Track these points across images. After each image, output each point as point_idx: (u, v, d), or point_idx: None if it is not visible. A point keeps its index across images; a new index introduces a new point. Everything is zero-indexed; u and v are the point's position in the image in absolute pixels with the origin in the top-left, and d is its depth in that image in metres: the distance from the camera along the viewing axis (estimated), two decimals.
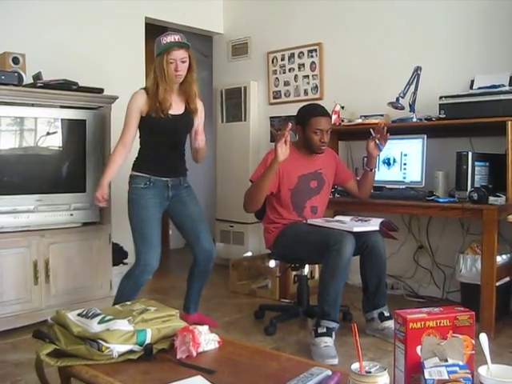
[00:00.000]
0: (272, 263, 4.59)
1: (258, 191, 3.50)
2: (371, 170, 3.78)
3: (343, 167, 3.92)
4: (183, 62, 3.38)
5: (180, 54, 3.36)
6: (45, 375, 2.13)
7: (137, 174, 3.49)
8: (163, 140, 3.50)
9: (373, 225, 3.46)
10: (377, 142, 3.66)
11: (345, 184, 3.91)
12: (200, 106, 3.63)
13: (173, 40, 3.36)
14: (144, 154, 3.54)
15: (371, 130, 3.71)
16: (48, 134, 3.92)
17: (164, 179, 3.52)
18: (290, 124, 3.31)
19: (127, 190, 3.54)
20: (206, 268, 3.69)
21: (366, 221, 3.54)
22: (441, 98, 3.96)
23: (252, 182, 3.61)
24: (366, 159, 3.82)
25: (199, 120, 3.64)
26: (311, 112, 3.59)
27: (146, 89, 3.47)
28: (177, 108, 3.50)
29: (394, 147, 4.29)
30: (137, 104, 3.43)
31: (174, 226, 3.82)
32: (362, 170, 4.46)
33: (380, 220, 3.48)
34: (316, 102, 4.40)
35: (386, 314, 3.51)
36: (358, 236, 3.36)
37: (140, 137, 3.55)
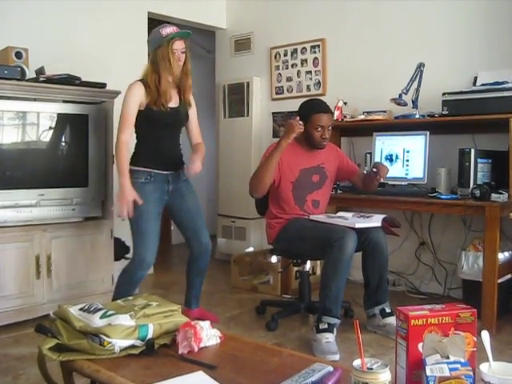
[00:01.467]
0: (274, 259, 4.59)
1: (265, 172, 3.50)
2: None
3: (347, 161, 3.90)
4: (183, 52, 3.40)
5: (181, 45, 3.39)
6: (47, 369, 2.14)
7: (137, 168, 3.45)
8: (163, 133, 3.49)
9: (375, 221, 3.46)
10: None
11: (351, 178, 3.90)
12: (192, 98, 3.64)
13: (173, 31, 3.36)
14: (144, 148, 3.50)
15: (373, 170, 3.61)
16: (50, 128, 3.92)
17: (164, 173, 3.51)
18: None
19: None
20: (204, 262, 3.70)
21: (368, 217, 3.54)
22: (444, 94, 3.95)
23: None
24: (372, 169, 3.65)
25: (193, 112, 3.66)
26: (313, 108, 3.59)
27: (142, 81, 3.43)
28: (174, 100, 3.50)
29: (396, 143, 4.29)
30: (136, 97, 3.39)
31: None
32: (364, 165, 4.48)
33: (382, 216, 3.48)
34: (318, 97, 4.40)
35: (388, 310, 3.51)
36: (360, 232, 3.36)
37: (137, 131, 3.51)
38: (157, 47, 3.37)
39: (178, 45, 3.37)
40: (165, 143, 3.51)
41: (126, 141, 3.37)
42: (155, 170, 3.47)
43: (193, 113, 3.68)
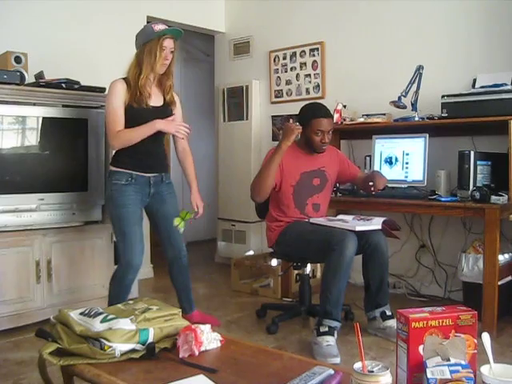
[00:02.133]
0: (274, 262, 4.59)
1: (267, 176, 3.51)
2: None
3: (348, 164, 3.90)
4: (171, 51, 3.37)
5: (171, 43, 3.36)
6: (47, 374, 2.14)
7: (117, 169, 3.38)
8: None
9: (375, 224, 3.46)
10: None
11: (353, 180, 3.89)
12: (177, 98, 3.60)
13: (165, 28, 3.33)
14: (125, 149, 3.36)
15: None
16: (50, 133, 3.92)
17: (146, 175, 3.44)
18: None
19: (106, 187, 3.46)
20: (180, 263, 3.66)
21: (368, 220, 3.54)
22: (443, 96, 3.95)
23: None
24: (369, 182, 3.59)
25: (178, 112, 3.60)
26: (313, 113, 3.58)
27: (124, 78, 3.38)
28: (156, 100, 3.45)
29: (396, 146, 4.30)
30: (119, 92, 3.32)
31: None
32: (363, 169, 4.48)
33: (382, 219, 3.48)
34: (318, 100, 4.41)
35: (388, 313, 3.50)
36: (361, 235, 3.36)
37: None
38: (146, 42, 3.33)
39: (169, 43, 3.34)
40: (147, 144, 3.36)
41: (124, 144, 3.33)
42: (136, 172, 3.39)
43: (178, 113, 3.60)
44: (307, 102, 3.82)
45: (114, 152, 3.47)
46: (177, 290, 3.75)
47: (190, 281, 3.79)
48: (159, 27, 3.32)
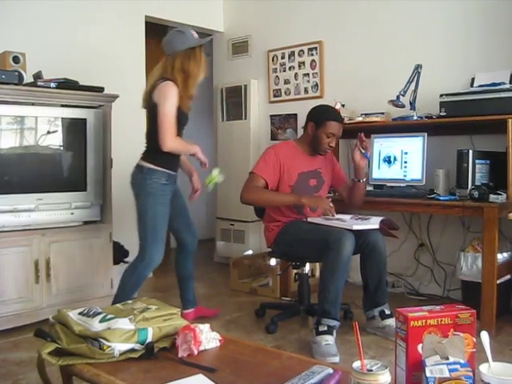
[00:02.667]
0: (273, 261, 4.59)
1: (270, 204, 3.64)
2: (360, 181, 3.68)
3: (339, 169, 3.91)
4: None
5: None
6: (46, 374, 2.13)
7: (157, 168, 3.43)
8: (181, 135, 3.49)
9: (373, 223, 3.45)
10: (362, 150, 3.60)
11: (339, 186, 3.88)
12: None
13: (198, 36, 3.46)
14: (161, 151, 3.37)
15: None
16: (48, 132, 3.92)
17: (175, 174, 3.58)
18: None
19: (138, 182, 3.49)
20: (194, 247, 3.83)
21: (366, 219, 3.54)
22: (441, 95, 3.96)
23: (253, 173, 3.60)
24: (353, 170, 3.71)
25: None
26: (329, 114, 3.60)
27: (171, 80, 3.37)
28: None
29: (394, 145, 4.30)
30: (176, 95, 3.35)
31: None
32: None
33: (380, 218, 3.48)
34: (316, 100, 4.42)
35: (387, 312, 3.51)
36: (359, 234, 3.36)
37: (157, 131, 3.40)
38: (189, 48, 3.38)
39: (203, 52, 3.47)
40: None
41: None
42: (172, 172, 3.52)
43: None
44: (321, 104, 3.85)
45: (150, 149, 3.52)
46: (186, 278, 3.85)
47: None
48: (196, 35, 3.43)
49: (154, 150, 3.42)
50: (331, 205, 3.44)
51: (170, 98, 3.32)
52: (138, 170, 3.49)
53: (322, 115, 3.60)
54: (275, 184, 3.59)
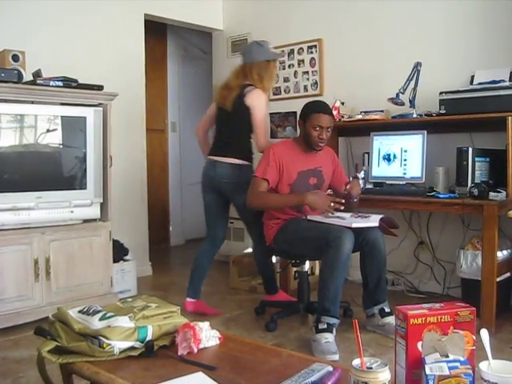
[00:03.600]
0: (272, 259, 4.58)
1: (273, 207, 3.64)
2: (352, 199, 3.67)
3: (341, 170, 3.89)
4: None
5: None
6: (46, 372, 2.14)
7: (250, 164, 3.89)
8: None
9: (372, 221, 3.45)
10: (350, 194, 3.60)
11: (338, 188, 3.83)
12: None
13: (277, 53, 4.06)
14: (250, 146, 3.93)
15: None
16: (48, 131, 3.92)
17: None
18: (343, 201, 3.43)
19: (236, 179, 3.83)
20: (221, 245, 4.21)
21: (365, 217, 3.53)
22: (441, 93, 3.95)
23: (256, 177, 3.60)
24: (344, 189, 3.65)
25: None
26: (314, 108, 3.59)
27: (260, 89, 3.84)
28: None
29: (394, 143, 4.30)
30: (266, 102, 3.90)
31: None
32: (361, 165, 4.48)
33: (380, 216, 3.47)
34: (316, 98, 4.42)
35: (387, 309, 3.51)
36: (358, 232, 3.36)
37: (247, 132, 3.87)
38: (268, 60, 3.89)
39: None
40: None
41: None
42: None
43: None
44: (310, 100, 3.82)
45: (238, 147, 3.89)
46: (204, 268, 4.10)
47: None
48: (272, 49, 3.98)
49: (244, 148, 3.89)
50: (332, 204, 3.42)
51: (263, 105, 3.85)
52: (234, 168, 3.84)
53: (307, 110, 3.61)
54: (275, 183, 3.58)
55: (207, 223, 4.08)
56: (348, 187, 3.56)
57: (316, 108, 3.58)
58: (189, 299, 4.00)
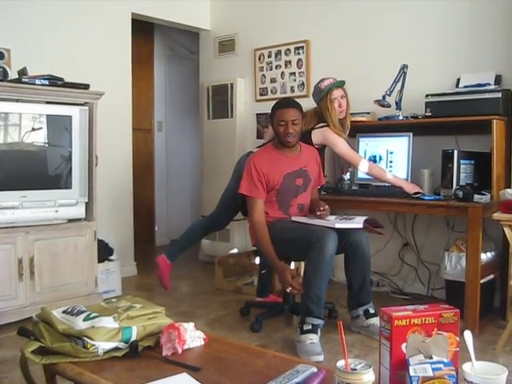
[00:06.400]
0: (258, 260, 4.59)
1: (261, 248, 3.58)
2: None
3: (320, 173, 3.88)
4: None
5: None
6: (29, 373, 2.13)
7: None
8: None
9: (356, 223, 3.46)
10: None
11: (312, 188, 3.83)
12: None
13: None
14: None
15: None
16: (33, 129, 3.89)
17: None
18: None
19: None
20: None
21: (350, 219, 3.54)
22: (427, 96, 3.98)
23: (243, 195, 3.59)
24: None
25: None
26: (275, 105, 3.61)
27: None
28: None
29: (380, 145, 4.32)
30: None
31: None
32: (348, 167, 4.49)
33: (364, 218, 3.48)
34: (303, 99, 4.43)
35: (372, 311, 3.52)
36: (342, 234, 3.37)
37: None
38: (321, 99, 4.13)
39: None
40: None
41: None
42: None
43: None
44: None
45: None
46: (190, 240, 4.47)
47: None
48: (325, 83, 4.17)
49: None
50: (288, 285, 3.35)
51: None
52: None
53: (271, 110, 3.62)
54: (265, 195, 3.59)
55: (218, 204, 4.36)
56: (319, 214, 3.56)
57: (277, 105, 3.60)
58: (164, 255, 4.29)
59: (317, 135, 4.03)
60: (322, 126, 4.04)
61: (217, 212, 4.36)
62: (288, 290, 3.37)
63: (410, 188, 3.90)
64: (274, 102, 3.67)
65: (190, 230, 4.46)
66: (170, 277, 4.30)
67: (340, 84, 4.15)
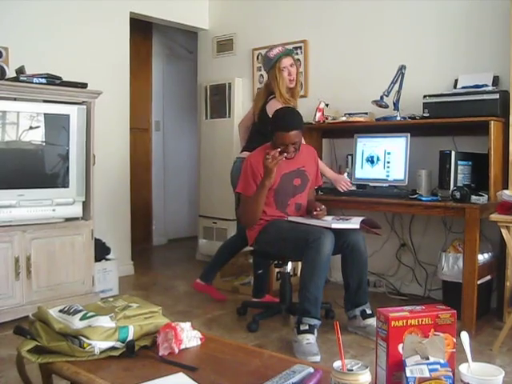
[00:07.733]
0: (252, 260, 4.58)
1: (256, 209, 3.50)
2: None
3: (317, 173, 3.86)
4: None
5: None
6: (26, 372, 2.12)
7: None
8: None
9: (353, 223, 3.46)
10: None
11: (310, 188, 3.83)
12: None
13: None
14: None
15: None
16: (31, 128, 3.88)
17: None
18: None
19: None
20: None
21: (347, 220, 3.54)
22: (425, 96, 3.98)
23: (239, 193, 3.59)
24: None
25: None
26: (278, 125, 3.49)
27: None
28: None
29: (377, 145, 4.31)
30: None
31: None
32: (345, 167, 4.49)
33: (361, 218, 3.48)
34: (301, 99, 4.42)
35: (368, 311, 3.52)
36: (339, 235, 3.37)
37: None
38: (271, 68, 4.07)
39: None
40: None
41: None
42: None
43: None
44: (281, 107, 3.76)
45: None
46: (229, 254, 4.42)
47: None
48: (274, 51, 4.12)
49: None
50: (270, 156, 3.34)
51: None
52: None
53: (273, 125, 3.53)
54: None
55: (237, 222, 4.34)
56: (315, 214, 3.55)
57: (279, 126, 3.47)
58: (198, 280, 4.32)
59: (268, 109, 4.01)
60: (272, 98, 4.04)
61: (239, 227, 4.26)
62: (269, 157, 3.32)
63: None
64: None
65: (218, 250, 4.42)
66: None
67: (290, 52, 4.18)
